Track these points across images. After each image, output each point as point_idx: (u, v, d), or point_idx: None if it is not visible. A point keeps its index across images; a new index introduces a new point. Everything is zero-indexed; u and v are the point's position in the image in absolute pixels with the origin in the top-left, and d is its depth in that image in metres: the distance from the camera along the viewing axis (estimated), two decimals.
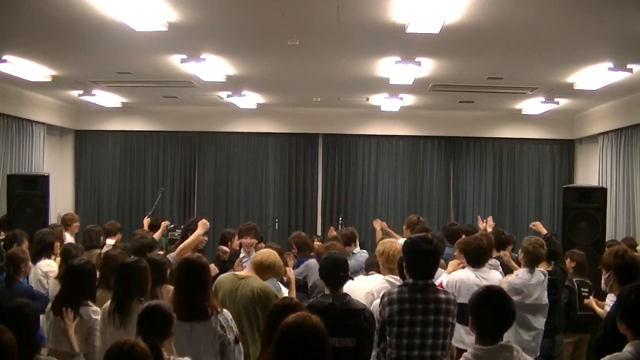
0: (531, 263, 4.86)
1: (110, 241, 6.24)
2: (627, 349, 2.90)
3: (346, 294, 3.75)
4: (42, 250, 5.43)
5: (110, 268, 4.47)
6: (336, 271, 3.75)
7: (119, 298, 3.85)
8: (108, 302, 3.99)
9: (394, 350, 3.36)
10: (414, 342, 3.35)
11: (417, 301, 3.38)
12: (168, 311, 3.29)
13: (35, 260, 5.35)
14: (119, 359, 2.66)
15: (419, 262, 3.47)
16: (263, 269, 4.25)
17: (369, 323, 3.58)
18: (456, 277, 4.83)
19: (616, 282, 3.76)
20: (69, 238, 6.81)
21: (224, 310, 3.62)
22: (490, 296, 2.95)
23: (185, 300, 3.51)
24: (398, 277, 4.12)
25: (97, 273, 4.45)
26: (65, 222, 7.31)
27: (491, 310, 2.88)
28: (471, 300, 3.00)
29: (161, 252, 5.41)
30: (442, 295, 3.46)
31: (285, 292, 4.63)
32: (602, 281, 4.05)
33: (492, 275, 4.91)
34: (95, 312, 4.04)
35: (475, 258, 4.87)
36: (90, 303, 4.05)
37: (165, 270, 4.52)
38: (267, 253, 4.36)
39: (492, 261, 5.21)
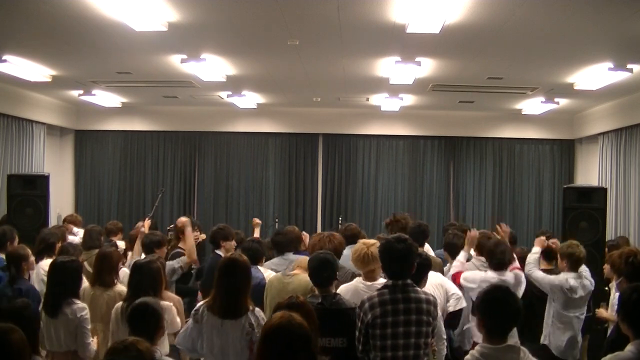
0: (575, 266, 4.79)
1: (120, 243, 6.22)
2: (629, 348, 2.91)
3: (336, 294, 3.74)
4: (43, 250, 5.42)
5: (105, 266, 4.50)
6: (320, 271, 3.75)
7: (133, 297, 3.85)
8: (120, 303, 4.00)
9: (379, 352, 3.36)
10: (398, 343, 3.35)
11: (398, 301, 3.39)
12: (156, 308, 3.32)
13: (37, 260, 5.35)
14: (119, 358, 2.64)
15: (394, 262, 3.48)
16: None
17: None
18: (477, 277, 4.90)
19: None
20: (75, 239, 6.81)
21: (257, 309, 3.64)
22: (496, 294, 2.97)
23: (227, 299, 3.54)
24: (367, 283, 4.10)
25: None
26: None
27: (497, 308, 2.89)
28: (477, 299, 3.01)
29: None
30: (422, 295, 3.48)
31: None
32: (614, 286, 4.06)
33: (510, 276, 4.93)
34: (81, 309, 4.04)
35: (497, 262, 4.91)
36: (75, 301, 4.06)
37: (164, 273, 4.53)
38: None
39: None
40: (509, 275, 4.89)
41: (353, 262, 4.20)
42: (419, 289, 3.55)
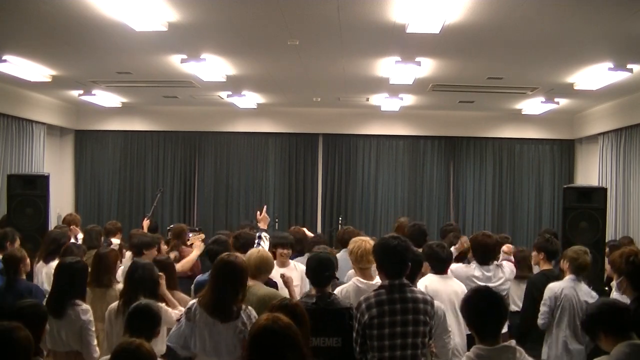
0: (577, 271, 4.72)
1: (115, 240, 6.23)
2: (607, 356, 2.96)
3: (331, 294, 3.73)
4: (54, 250, 5.43)
5: (102, 267, 4.50)
6: (321, 271, 3.72)
7: (129, 297, 3.84)
8: (115, 303, 4.00)
9: (377, 352, 3.36)
10: (396, 343, 3.35)
11: (395, 302, 3.38)
12: (156, 311, 3.31)
13: (47, 260, 5.36)
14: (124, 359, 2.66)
15: (390, 260, 3.45)
16: (258, 272, 4.09)
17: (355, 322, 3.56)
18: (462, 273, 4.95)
19: (629, 286, 3.86)
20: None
21: (249, 307, 3.62)
22: (479, 295, 2.96)
23: (217, 299, 3.51)
24: (365, 281, 4.08)
25: None
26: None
27: (483, 311, 2.87)
28: (462, 304, 2.99)
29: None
30: (419, 295, 3.47)
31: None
32: (615, 285, 4.06)
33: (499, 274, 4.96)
34: (85, 311, 4.04)
35: (481, 255, 4.93)
36: (79, 302, 4.06)
37: (172, 272, 4.51)
38: (255, 254, 4.21)
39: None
40: (492, 269, 5.06)
41: (354, 260, 4.15)
42: (415, 288, 3.55)
